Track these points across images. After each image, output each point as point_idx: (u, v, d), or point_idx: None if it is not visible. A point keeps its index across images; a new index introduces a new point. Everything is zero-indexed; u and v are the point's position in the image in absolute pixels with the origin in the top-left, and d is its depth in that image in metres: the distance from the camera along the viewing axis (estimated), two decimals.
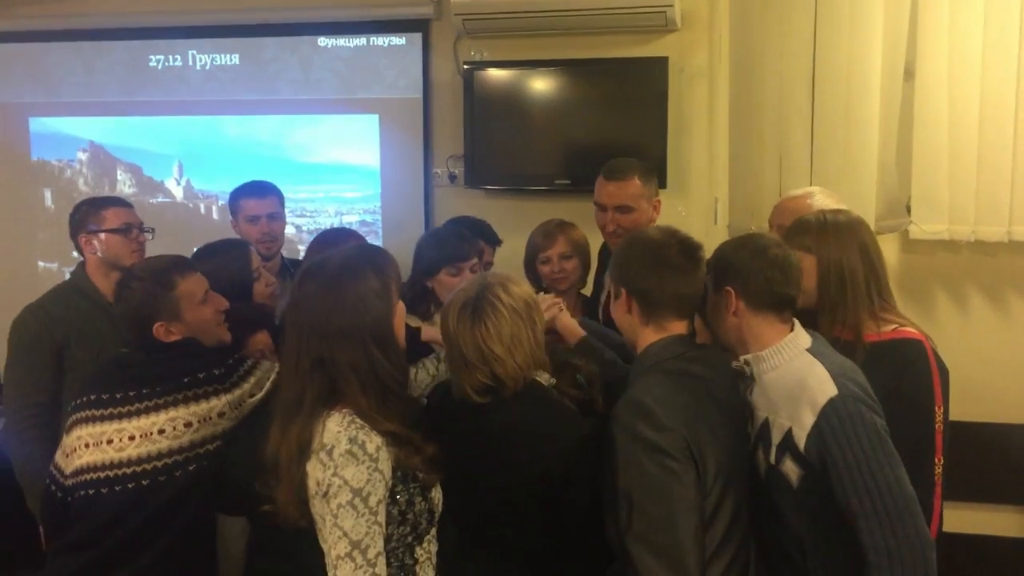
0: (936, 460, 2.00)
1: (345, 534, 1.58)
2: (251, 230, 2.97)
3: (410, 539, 1.70)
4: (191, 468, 2.00)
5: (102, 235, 2.62)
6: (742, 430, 1.88)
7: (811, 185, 3.22)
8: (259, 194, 3.01)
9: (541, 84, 3.54)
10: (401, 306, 1.77)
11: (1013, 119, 3.10)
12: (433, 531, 1.76)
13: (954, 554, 3.26)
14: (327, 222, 3.83)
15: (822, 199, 2.43)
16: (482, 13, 3.41)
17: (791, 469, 1.76)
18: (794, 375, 1.79)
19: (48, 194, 4.09)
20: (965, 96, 3.12)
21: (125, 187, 4.01)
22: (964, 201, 3.17)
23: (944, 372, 2.04)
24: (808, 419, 1.72)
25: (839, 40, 3.21)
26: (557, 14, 3.38)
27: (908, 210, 3.26)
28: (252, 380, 2.07)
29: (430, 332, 2.36)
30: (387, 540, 1.66)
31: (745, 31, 3.37)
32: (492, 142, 3.60)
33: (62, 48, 4.01)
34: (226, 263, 2.35)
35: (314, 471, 1.63)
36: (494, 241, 2.94)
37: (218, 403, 2.03)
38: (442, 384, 2.07)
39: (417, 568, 1.73)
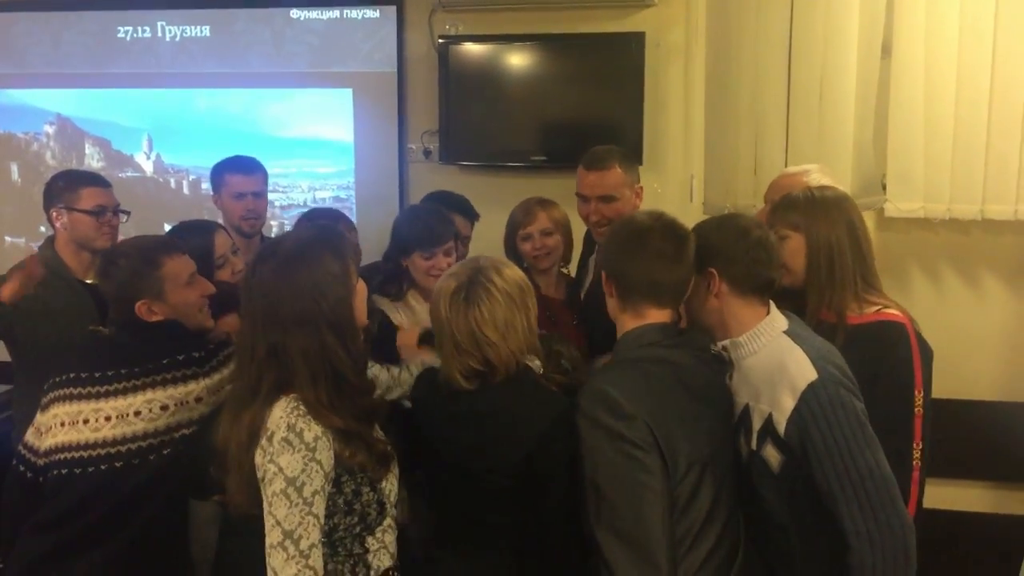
0: (915, 444, 1.97)
1: (278, 523, 1.56)
2: (235, 207, 2.93)
3: (358, 529, 1.69)
4: (165, 452, 1.98)
5: (74, 214, 2.57)
6: (726, 417, 1.85)
7: (785, 162, 3.24)
8: (246, 171, 2.96)
9: (517, 59, 3.51)
10: (362, 287, 1.74)
11: (988, 98, 3.08)
12: (388, 521, 1.74)
13: (928, 529, 3.31)
14: (300, 198, 3.79)
15: (819, 176, 2.41)
16: None
17: (772, 455, 1.75)
18: (773, 359, 1.77)
19: (15, 168, 4.02)
20: (941, 75, 3.10)
21: (93, 161, 3.95)
22: (939, 179, 3.16)
23: (927, 355, 2.03)
24: (788, 403, 1.71)
25: (816, 17, 3.18)
26: None
27: (883, 188, 3.26)
28: (231, 367, 2.03)
29: (404, 337, 2.32)
30: (334, 530, 1.66)
31: (722, 7, 3.34)
32: (467, 117, 3.57)
33: (29, 18, 3.92)
34: (188, 247, 2.30)
35: (257, 456, 1.61)
36: (472, 216, 2.90)
37: (196, 387, 2.01)
38: (428, 371, 2.03)
39: (369, 557, 1.72)
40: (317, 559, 1.57)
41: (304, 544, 1.56)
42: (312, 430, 1.59)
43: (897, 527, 1.67)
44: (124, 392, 1.96)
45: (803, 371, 1.71)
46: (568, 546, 1.78)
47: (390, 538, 1.75)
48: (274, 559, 1.56)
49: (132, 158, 3.94)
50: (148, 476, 1.96)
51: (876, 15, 3.16)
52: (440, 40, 3.56)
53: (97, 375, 1.98)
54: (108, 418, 1.95)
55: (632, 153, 2.87)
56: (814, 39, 3.21)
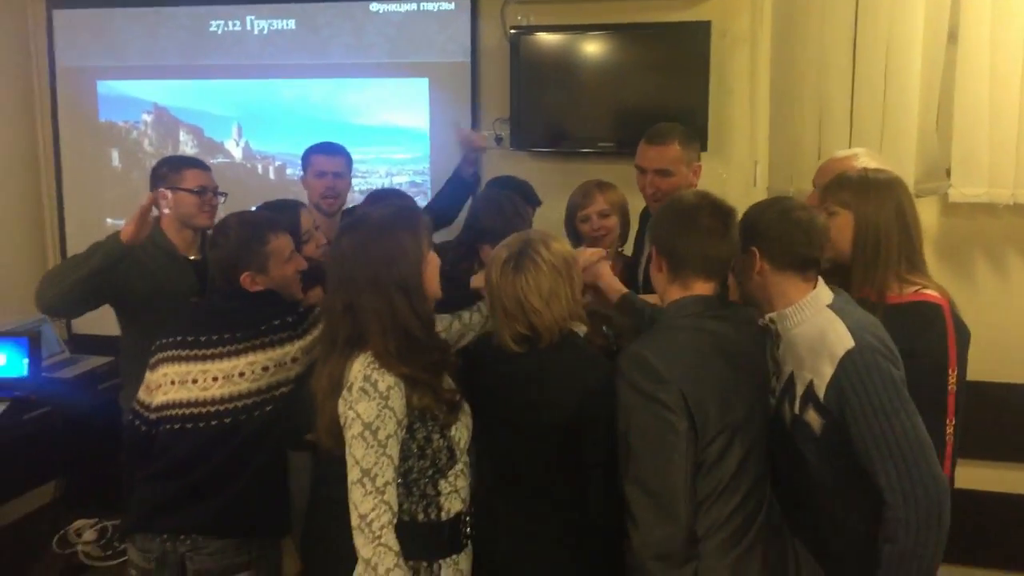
0: (948, 421, 2.05)
1: (357, 462, 1.75)
2: (317, 184, 3.16)
3: (431, 472, 1.86)
4: (267, 409, 2.18)
5: (179, 193, 2.78)
6: (761, 386, 1.96)
7: (850, 148, 3.29)
8: (329, 152, 3.20)
9: (585, 48, 3.62)
10: (433, 258, 1.93)
11: None
12: (459, 467, 1.91)
13: (990, 511, 3.35)
14: (378, 182, 3.97)
15: (867, 160, 2.46)
16: None
17: (813, 419, 1.85)
18: (815, 330, 1.87)
19: (115, 154, 4.30)
20: (1007, 60, 3.12)
21: (187, 148, 4.20)
22: (1004, 165, 3.18)
23: (963, 336, 2.08)
24: (827, 370, 1.81)
25: (881, 4, 3.23)
26: None
27: (947, 173, 3.29)
28: (320, 328, 2.21)
29: (478, 280, 2.48)
30: (409, 472, 1.83)
31: None
32: (537, 105, 3.70)
33: (127, 14, 4.18)
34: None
35: (340, 405, 1.80)
36: (534, 201, 3.04)
37: (291, 349, 2.20)
38: (483, 335, 2.20)
39: (441, 499, 1.88)
40: (392, 495, 1.76)
41: (380, 481, 1.75)
42: (385, 380, 1.77)
43: (931, 486, 1.75)
44: (229, 355, 2.17)
45: (842, 340, 1.81)
46: (608, 499, 1.92)
47: (462, 483, 1.92)
48: (354, 494, 1.75)
49: (222, 145, 4.18)
50: (253, 431, 2.17)
51: (942, 1, 3.19)
52: (512, 31, 3.69)
53: (203, 339, 2.19)
54: (215, 379, 2.16)
55: (697, 138, 2.97)
56: (879, 25, 3.25)
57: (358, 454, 1.76)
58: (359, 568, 1.76)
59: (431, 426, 1.84)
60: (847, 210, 2.12)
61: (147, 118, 4.26)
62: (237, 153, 4.17)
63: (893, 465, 1.75)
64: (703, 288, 1.93)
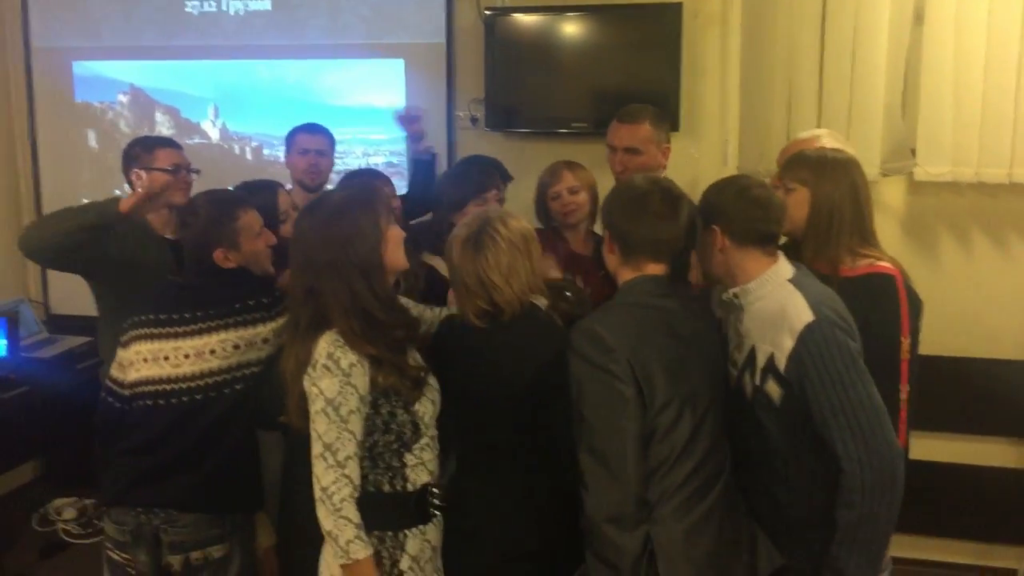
0: (901, 387, 2.12)
1: (319, 436, 1.81)
2: (299, 161, 3.24)
3: (395, 446, 1.91)
4: (237, 387, 2.22)
5: (153, 172, 2.76)
6: (711, 360, 2.03)
7: (818, 128, 3.35)
8: (311, 131, 3.29)
9: (559, 29, 3.66)
10: (395, 233, 1.96)
11: (1017, 64, 3.16)
12: (425, 440, 1.95)
13: (950, 483, 3.45)
14: (355, 163, 3.99)
15: (828, 141, 2.53)
16: None
17: (773, 389, 1.93)
18: (776, 304, 1.94)
19: (92, 135, 4.30)
20: (971, 41, 3.18)
21: (164, 129, 4.20)
22: (968, 144, 3.24)
23: (915, 305, 2.17)
24: (788, 343, 1.88)
25: None
26: None
27: (913, 153, 3.35)
28: None
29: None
30: (374, 446, 1.89)
31: None
32: (512, 86, 3.73)
33: None
34: (255, 203, 2.52)
35: (304, 382, 1.85)
36: (506, 178, 3.07)
37: (263, 330, 2.23)
38: (449, 316, 2.23)
39: (407, 471, 1.93)
40: (353, 469, 1.82)
41: (341, 456, 1.81)
42: (348, 358, 1.83)
43: (886, 452, 1.83)
44: (200, 332, 2.20)
45: (801, 314, 1.88)
46: (572, 465, 1.96)
47: (428, 456, 1.96)
48: (316, 467, 1.81)
49: (199, 126, 4.19)
50: (225, 409, 2.21)
51: None
52: (486, 11, 3.71)
53: (175, 316, 2.23)
54: (187, 356, 2.19)
55: (669, 118, 3.03)
56: (846, 6, 3.30)
57: (320, 428, 1.81)
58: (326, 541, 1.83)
59: (395, 402, 1.89)
60: (804, 187, 2.20)
61: (123, 99, 4.26)
62: (214, 134, 4.19)
63: (850, 433, 1.83)
64: (654, 269, 2.00)
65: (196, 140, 4.18)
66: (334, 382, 1.82)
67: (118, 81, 4.24)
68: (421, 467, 1.95)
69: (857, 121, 3.33)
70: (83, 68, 4.28)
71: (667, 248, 1.99)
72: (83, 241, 2.52)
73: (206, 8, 4.09)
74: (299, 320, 1.92)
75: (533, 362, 1.99)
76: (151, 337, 2.24)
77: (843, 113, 3.35)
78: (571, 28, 3.64)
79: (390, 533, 1.91)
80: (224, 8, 4.07)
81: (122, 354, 2.31)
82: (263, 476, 2.35)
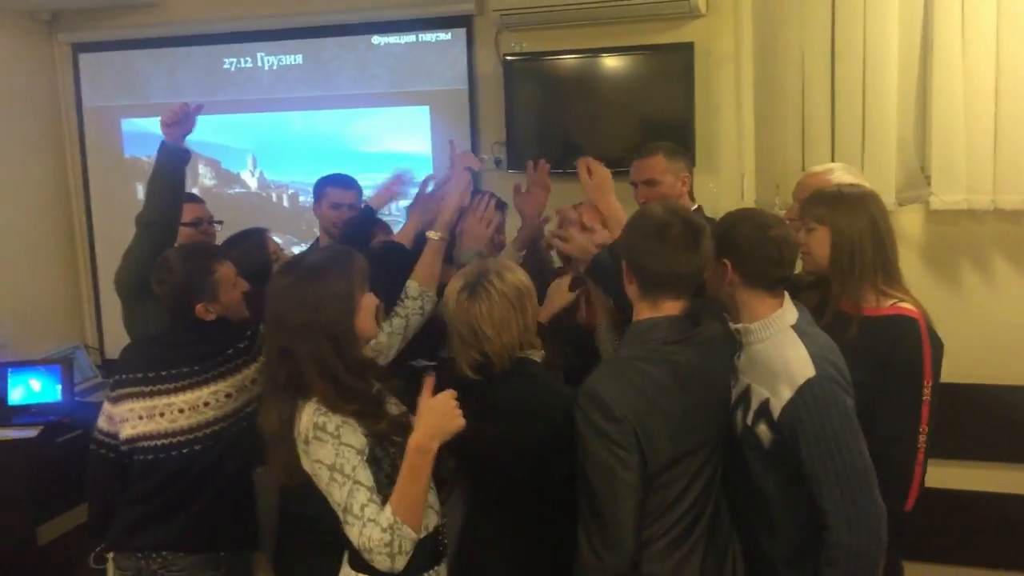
0: (922, 429, 2.13)
1: (339, 504, 1.81)
2: (332, 215, 3.27)
3: None
4: (234, 430, 2.33)
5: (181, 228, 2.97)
6: (721, 403, 2.00)
7: (832, 160, 3.39)
8: (344, 186, 3.32)
9: (577, 72, 3.77)
10: (369, 301, 1.96)
11: None
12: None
13: (970, 511, 3.43)
14: (385, 207, 4.14)
15: (842, 174, 2.57)
16: (519, 8, 3.65)
17: (764, 433, 1.94)
18: (777, 351, 1.93)
19: (140, 188, 4.53)
20: (980, 68, 3.21)
21: (206, 179, 4.42)
22: (982, 171, 3.26)
23: (937, 348, 2.16)
24: (785, 394, 1.88)
25: (856, 19, 3.34)
26: (588, 6, 3.60)
27: (928, 181, 3.37)
28: None
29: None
30: (384, 500, 1.85)
31: (767, 15, 3.52)
32: (532, 128, 3.86)
33: (148, 55, 4.44)
34: (248, 251, 2.66)
35: (302, 460, 1.87)
36: (501, 207, 3.14)
37: (249, 372, 2.35)
38: (446, 367, 2.26)
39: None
40: (373, 510, 1.79)
41: (356, 508, 1.79)
42: (333, 421, 1.84)
43: (872, 514, 1.84)
44: (192, 387, 2.32)
45: (803, 367, 1.87)
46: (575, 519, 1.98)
47: (432, 498, 1.99)
48: (350, 533, 1.81)
49: (239, 176, 4.40)
50: (221, 451, 2.32)
51: (915, 11, 3.31)
52: (506, 57, 3.85)
53: (163, 373, 2.34)
54: (182, 410, 2.32)
55: (684, 152, 3.10)
56: (855, 41, 3.36)
57: (338, 498, 1.81)
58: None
59: (393, 452, 1.89)
60: (823, 225, 2.20)
61: None
62: (252, 183, 4.39)
63: (839, 491, 1.84)
64: (672, 307, 1.93)
65: (236, 189, 4.38)
66: (328, 448, 1.82)
67: (163, 136, 4.45)
68: (430, 510, 1.96)
69: (871, 152, 3.37)
70: (131, 125, 4.52)
71: (687, 283, 1.93)
72: (171, 198, 2.67)
73: (242, 64, 4.30)
74: (276, 377, 1.91)
75: (526, 418, 2.02)
76: (143, 395, 2.35)
77: (856, 145, 3.39)
78: (588, 70, 3.75)
79: None
80: (259, 63, 4.28)
81: (112, 409, 2.42)
82: (259, 515, 2.44)
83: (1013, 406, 3.41)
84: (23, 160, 4.42)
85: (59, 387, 3.91)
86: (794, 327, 1.96)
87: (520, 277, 2.12)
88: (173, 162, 2.69)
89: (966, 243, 3.46)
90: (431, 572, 1.98)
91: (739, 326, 2.02)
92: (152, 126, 4.44)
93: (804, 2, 3.42)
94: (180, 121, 2.69)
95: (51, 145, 4.61)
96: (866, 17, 3.32)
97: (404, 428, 1.92)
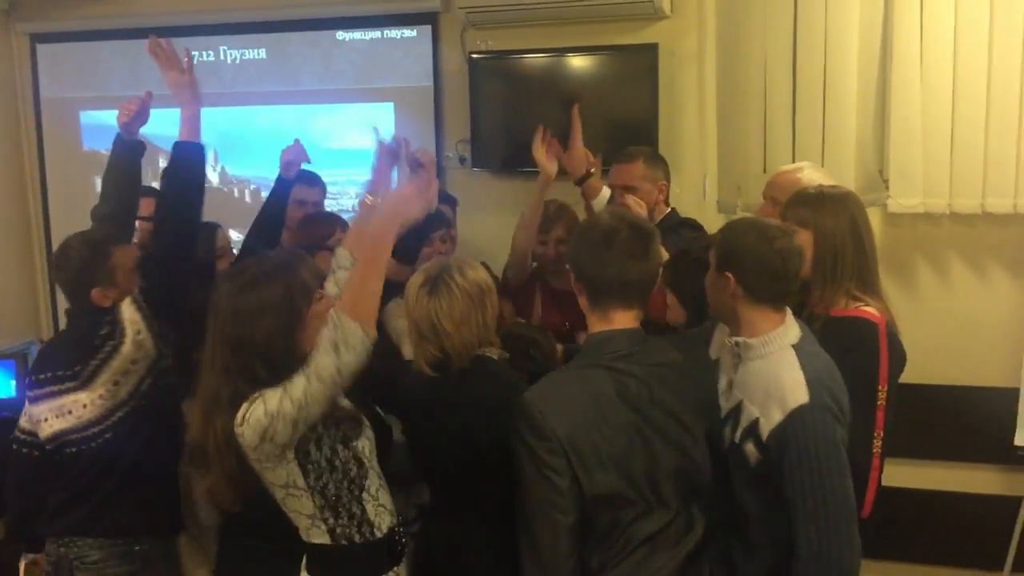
0: (876, 433, 2.10)
1: (304, 394, 1.73)
2: (296, 211, 3.24)
3: (347, 486, 1.87)
4: (133, 416, 2.32)
5: (137, 222, 2.92)
6: (685, 422, 1.87)
7: (792, 162, 3.43)
8: (309, 183, 3.33)
9: (541, 71, 3.78)
10: (319, 309, 1.84)
11: (985, 96, 3.23)
12: (377, 482, 1.95)
13: (928, 510, 3.48)
14: (349, 203, 4.12)
15: (811, 173, 2.60)
16: (484, 6, 3.66)
17: (751, 451, 1.89)
18: (773, 371, 1.87)
19: (98, 181, 4.44)
20: (938, 73, 3.26)
21: None
22: (939, 175, 3.31)
23: (896, 355, 2.13)
24: (776, 416, 1.83)
25: (817, 23, 3.36)
26: (554, 5, 3.61)
27: (886, 184, 3.41)
28: (128, 319, 2.28)
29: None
30: (325, 489, 1.85)
31: (731, 16, 3.54)
32: (497, 126, 3.86)
33: (108, 46, 4.36)
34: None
35: (252, 461, 1.79)
36: (451, 201, 3.27)
37: (126, 354, 2.27)
38: (405, 364, 2.27)
39: (371, 517, 1.92)
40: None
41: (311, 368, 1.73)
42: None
43: (846, 549, 1.80)
44: (85, 383, 2.29)
45: (796, 392, 1.81)
46: None
47: (385, 497, 1.97)
48: (322, 366, 1.73)
49: None
50: (121, 438, 2.31)
51: (875, 17, 3.34)
52: (471, 55, 3.85)
53: (59, 373, 2.32)
54: (84, 405, 2.30)
55: (663, 160, 3.17)
56: (816, 44, 3.39)
57: (298, 393, 1.73)
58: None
59: (333, 436, 1.85)
60: (805, 228, 2.17)
61: None
62: (215, 178, 4.32)
63: (815, 524, 1.79)
64: (624, 319, 1.86)
65: None
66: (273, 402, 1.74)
67: None
68: (383, 510, 1.95)
69: (830, 155, 3.40)
70: (90, 117, 4.45)
71: (637, 291, 1.86)
72: (127, 192, 2.68)
73: (205, 57, 4.25)
74: (219, 395, 1.79)
75: (483, 414, 2.01)
76: (52, 395, 2.33)
77: (816, 147, 3.43)
78: (553, 69, 3.76)
79: None
80: (222, 57, 4.23)
81: (31, 409, 2.41)
82: (202, 518, 2.41)
83: (967, 406, 3.46)
84: None
85: (12, 382, 3.84)
86: (795, 346, 1.90)
87: (481, 275, 2.12)
88: (128, 154, 2.68)
89: (922, 246, 3.52)
90: (390, 574, 1.97)
91: (739, 339, 1.95)
92: (111, 119, 4.32)
93: (767, 5, 3.44)
94: (137, 114, 2.68)
95: (7, 137, 4.52)
96: (827, 21, 3.35)
97: (355, 421, 1.91)
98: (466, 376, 2.05)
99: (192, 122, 2.52)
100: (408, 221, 1.94)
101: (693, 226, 3.08)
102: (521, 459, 1.79)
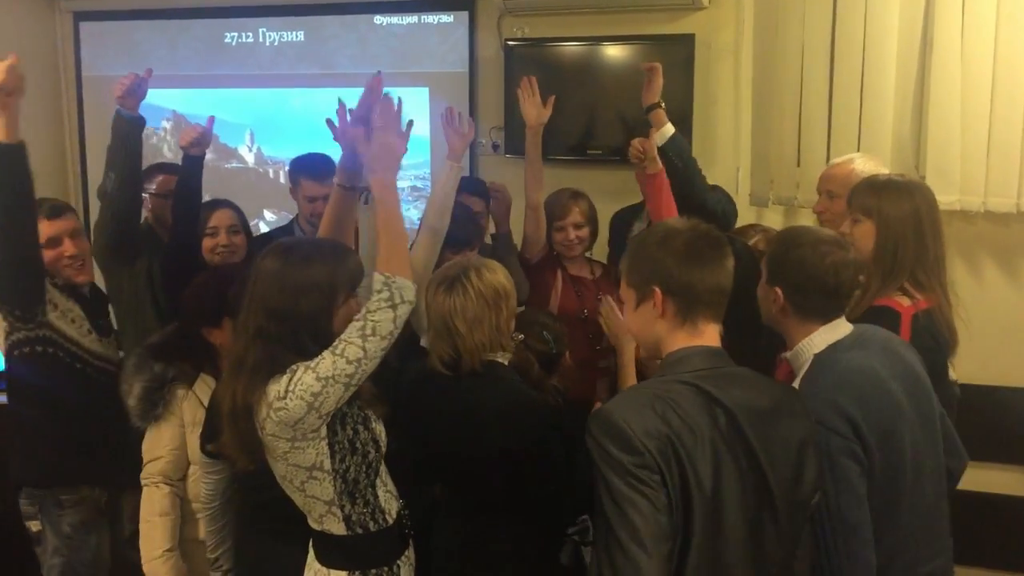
0: None
1: (336, 376, 1.76)
2: (306, 207, 3.24)
3: (365, 470, 1.89)
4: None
5: (150, 197, 3.09)
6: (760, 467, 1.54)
7: (827, 156, 3.42)
8: (317, 178, 3.17)
9: (577, 59, 3.78)
10: (351, 308, 1.86)
11: None
12: (383, 467, 1.96)
13: (966, 511, 3.44)
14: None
15: (864, 162, 2.63)
16: None
17: None
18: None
19: None
20: (978, 72, 3.22)
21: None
22: (975, 173, 3.27)
23: (923, 348, 2.02)
24: None
25: (857, 16, 3.34)
26: None
27: (923, 181, 3.38)
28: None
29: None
30: (346, 472, 1.85)
31: (769, 8, 3.52)
32: None
33: (149, 26, 4.42)
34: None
35: (268, 424, 1.80)
36: (486, 197, 3.21)
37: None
38: (418, 365, 2.25)
39: (382, 503, 1.94)
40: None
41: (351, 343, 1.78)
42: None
43: (846, 566, 1.72)
44: None
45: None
46: (549, 514, 2.03)
47: (391, 482, 1.99)
48: (371, 322, 1.78)
49: (236, 151, 4.40)
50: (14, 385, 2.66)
51: (916, 12, 3.30)
52: (507, 42, 3.86)
53: None
54: None
55: None
56: (855, 38, 3.36)
57: (327, 372, 1.77)
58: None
59: (356, 415, 1.88)
60: (868, 218, 2.15)
61: (166, 125, 4.49)
62: (250, 158, 4.39)
63: (815, 542, 1.72)
64: (712, 335, 1.62)
65: (234, 164, 4.39)
66: (312, 382, 1.77)
67: (162, 108, 4.47)
68: (390, 495, 1.98)
69: (866, 150, 3.34)
70: None
71: (725, 301, 1.63)
72: (130, 167, 2.86)
73: (243, 39, 4.30)
74: (244, 358, 1.82)
75: (494, 420, 2.02)
76: None
77: (852, 143, 3.40)
78: (588, 58, 3.76)
79: (386, 568, 1.93)
80: (260, 39, 4.28)
81: None
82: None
83: (999, 407, 3.43)
84: (21, 127, 4.40)
85: None
86: (818, 355, 1.82)
87: (500, 278, 2.10)
88: (129, 130, 2.82)
89: (957, 243, 3.47)
90: (402, 559, 1.97)
91: (786, 355, 1.90)
92: (151, 98, 4.42)
93: None
94: (131, 90, 2.82)
95: (50, 113, 4.61)
96: (867, 16, 3.32)
97: (374, 398, 1.94)
98: (476, 380, 2.06)
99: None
100: (397, 162, 1.99)
101: (713, 188, 3.14)
102: (604, 475, 1.49)
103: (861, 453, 1.74)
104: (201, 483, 2.30)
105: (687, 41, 3.61)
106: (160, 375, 2.36)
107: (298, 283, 1.82)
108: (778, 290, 1.85)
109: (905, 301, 2.15)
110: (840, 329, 1.87)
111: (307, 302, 1.81)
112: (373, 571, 1.91)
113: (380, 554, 1.93)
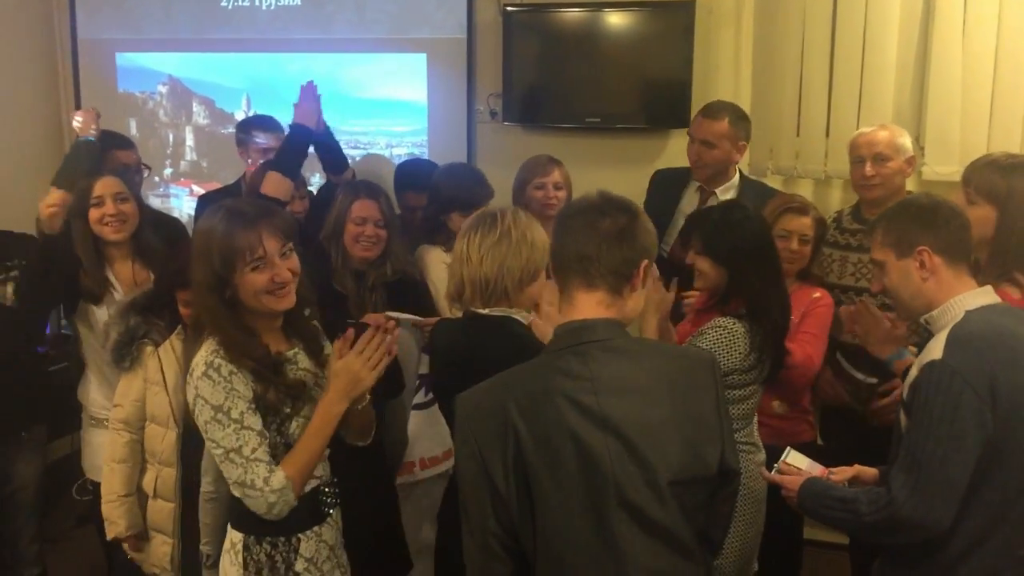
0: None
1: (218, 444, 1.80)
2: (259, 159, 3.32)
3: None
4: None
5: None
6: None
7: (827, 126, 3.42)
8: (267, 128, 3.44)
9: (576, 25, 3.74)
10: (251, 280, 1.83)
11: None
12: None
13: None
14: (379, 153, 4.13)
15: (895, 129, 2.80)
16: None
17: (902, 418, 1.83)
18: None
19: (133, 123, 4.50)
20: (979, 42, 3.19)
21: (200, 118, 4.40)
22: (976, 143, 3.24)
23: None
24: (914, 374, 1.79)
25: None
26: None
27: (922, 151, 3.36)
28: None
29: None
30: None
31: None
32: (529, 81, 3.84)
33: None
34: None
35: (187, 391, 1.87)
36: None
37: None
38: (443, 320, 2.28)
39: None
40: (263, 453, 1.80)
41: (247, 451, 1.79)
42: (227, 366, 1.81)
43: (929, 516, 1.70)
44: None
45: (934, 350, 1.74)
46: None
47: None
48: (227, 470, 1.80)
49: (232, 115, 4.36)
50: None
51: None
52: (506, 8, 3.81)
53: None
54: None
55: (747, 120, 3.16)
56: (857, 6, 3.34)
57: (217, 437, 1.80)
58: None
59: (271, 422, 1.87)
60: (990, 204, 2.05)
61: (162, 89, 4.45)
62: None
63: (905, 474, 1.73)
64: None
65: (230, 129, 4.33)
66: (218, 389, 1.79)
67: (158, 72, 4.43)
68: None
69: (866, 120, 3.34)
70: (125, 59, 4.48)
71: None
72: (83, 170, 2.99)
73: (240, 3, 4.25)
74: (197, 322, 1.93)
75: (495, 368, 1.90)
76: None
77: (852, 113, 3.39)
78: (588, 25, 3.72)
79: (282, 539, 1.90)
80: (256, 3, 4.23)
81: None
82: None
83: None
84: (16, 91, 4.37)
85: None
86: (968, 312, 1.78)
87: (538, 233, 2.02)
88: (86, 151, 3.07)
89: None
90: (309, 533, 1.94)
91: (929, 315, 1.84)
92: (147, 61, 4.44)
93: None
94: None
95: (45, 77, 4.56)
96: None
97: (299, 394, 1.91)
98: (492, 331, 1.98)
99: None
100: (358, 392, 1.90)
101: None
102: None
103: (988, 414, 1.70)
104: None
105: (688, 7, 3.57)
106: (132, 330, 2.46)
107: (207, 241, 1.83)
108: (922, 249, 1.79)
109: (1016, 293, 2.06)
110: (992, 295, 1.83)
111: (212, 260, 1.81)
112: (268, 539, 1.90)
113: (276, 523, 1.86)
